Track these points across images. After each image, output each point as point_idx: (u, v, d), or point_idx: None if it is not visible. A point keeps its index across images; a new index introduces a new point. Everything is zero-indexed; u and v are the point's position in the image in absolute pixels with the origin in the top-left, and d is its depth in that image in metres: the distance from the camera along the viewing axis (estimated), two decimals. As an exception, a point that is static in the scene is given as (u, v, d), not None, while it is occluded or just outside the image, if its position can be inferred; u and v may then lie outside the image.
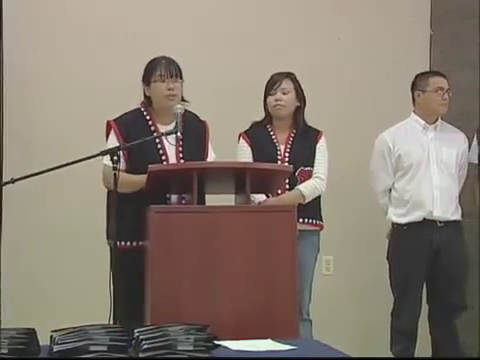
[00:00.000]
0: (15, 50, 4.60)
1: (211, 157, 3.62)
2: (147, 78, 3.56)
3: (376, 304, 4.70)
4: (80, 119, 4.65)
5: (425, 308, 4.24)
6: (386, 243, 4.25)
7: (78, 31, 4.67)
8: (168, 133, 3.37)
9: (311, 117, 4.03)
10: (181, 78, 3.55)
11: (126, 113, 3.59)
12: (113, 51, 4.68)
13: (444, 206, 4.10)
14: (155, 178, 3.22)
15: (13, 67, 4.60)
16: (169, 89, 3.49)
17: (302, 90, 4.00)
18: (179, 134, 3.34)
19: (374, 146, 4.26)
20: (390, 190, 4.21)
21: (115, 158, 3.13)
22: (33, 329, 2.61)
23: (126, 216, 3.33)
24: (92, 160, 3.22)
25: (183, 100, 3.58)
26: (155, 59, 3.60)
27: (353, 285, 4.87)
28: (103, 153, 3.19)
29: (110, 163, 3.18)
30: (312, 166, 3.93)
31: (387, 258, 4.23)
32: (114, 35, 4.69)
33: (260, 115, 4.04)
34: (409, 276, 4.10)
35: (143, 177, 3.28)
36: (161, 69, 3.52)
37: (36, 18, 4.65)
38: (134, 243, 3.42)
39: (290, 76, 3.99)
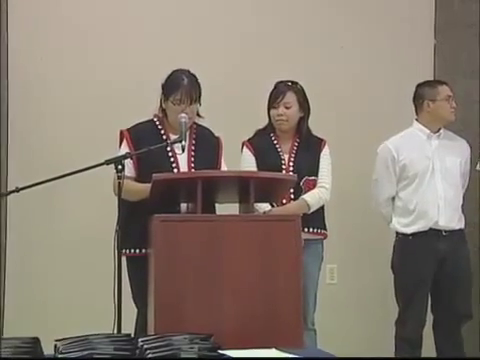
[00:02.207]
0: (20, 59, 4.62)
1: (223, 169, 3.63)
2: (166, 94, 3.55)
3: (380, 313, 4.70)
4: (86, 127, 4.66)
5: (430, 317, 4.22)
6: (390, 251, 4.24)
7: (83, 41, 4.69)
8: (173, 142, 3.40)
9: (314, 125, 4.03)
10: (199, 100, 3.54)
11: (139, 123, 3.61)
12: (118, 61, 4.69)
13: (449, 215, 4.09)
14: (159, 187, 3.22)
15: (18, 76, 4.62)
16: (184, 112, 3.47)
17: (307, 100, 3.98)
18: (184, 143, 3.35)
19: (377, 155, 4.25)
20: (393, 199, 4.20)
21: (119, 167, 3.16)
22: (37, 338, 2.59)
23: (134, 224, 3.36)
24: (98, 168, 3.23)
25: (198, 115, 3.60)
26: (178, 75, 3.55)
27: (357, 294, 4.86)
28: (107, 162, 3.20)
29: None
30: (316, 175, 3.93)
31: (392, 267, 4.22)
32: (119, 45, 4.71)
33: (264, 123, 4.04)
34: (415, 285, 4.09)
35: (148, 186, 3.28)
36: (182, 93, 3.49)
37: (41, 28, 4.67)
38: (142, 251, 3.43)
39: (294, 88, 3.95)
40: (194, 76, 3.58)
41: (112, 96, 4.65)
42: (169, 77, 3.59)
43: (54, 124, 4.68)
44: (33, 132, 4.67)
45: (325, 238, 4.01)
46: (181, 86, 3.51)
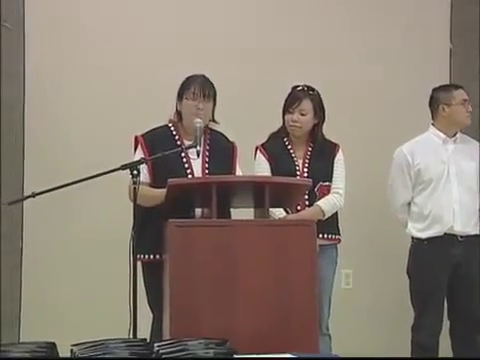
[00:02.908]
0: (38, 65, 4.66)
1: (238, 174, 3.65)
2: (180, 94, 3.61)
3: (396, 319, 4.69)
4: (102, 131, 4.70)
5: (447, 323, 4.21)
6: (406, 256, 4.24)
7: (99, 47, 4.74)
8: (188, 147, 3.43)
9: (329, 130, 4.03)
10: (214, 99, 3.59)
11: (154, 129, 3.64)
12: (133, 67, 4.73)
13: (464, 220, 4.08)
14: (174, 192, 3.24)
15: (34, 80, 4.66)
16: (198, 109, 3.53)
17: (322, 107, 3.97)
18: (199, 148, 3.37)
19: (393, 160, 4.25)
20: (409, 204, 4.20)
21: (135, 172, 3.19)
22: (53, 343, 2.62)
23: (150, 229, 3.40)
24: (114, 173, 3.26)
25: (213, 121, 3.64)
26: (192, 76, 3.63)
27: (373, 299, 4.87)
28: (123, 167, 3.23)
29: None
30: (330, 181, 3.93)
31: (407, 272, 4.22)
32: (135, 52, 4.75)
33: (277, 126, 4.03)
34: (430, 291, 4.08)
35: (163, 191, 3.31)
36: (195, 87, 3.56)
37: (58, 31, 4.72)
38: (157, 256, 3.45)
39: (311, 95, 3.94)
40: (208, 79, 3.63)
41: (128, 100, 4.68)
42: (184, 81, 3.65)
43: (70, 129, 4.72)
44: (49, 137, 4.71)
45: (339, 243, 4.01)
46: (194, 82, 3.58)
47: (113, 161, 3.28)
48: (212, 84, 3.62)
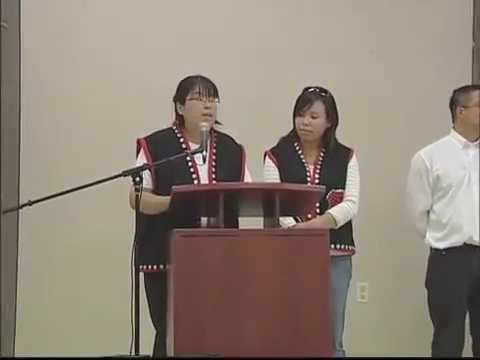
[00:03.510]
0: (34, 65, 4.73)
1: (247, 181, 3.68)
2: (182, 96, 3.62)
3: (416, 334, 4.69)
4: (101, 135, 4.75)
5: (469, 339, 4.23)
6: (424, 268, 4.26)
7: (98, 48, 4.80)
8: (193, 152, 3.46)
9: (342, 134, 4.04)
10: (218, 98, 3.61)
11: (158, 132, 3.67)
12: (134, 69, 4.78)
13: (485, 230, 4.11)
14: (179, 200, 3.28)
15: (30, 82, 4.72)
16: (206, 108, 3.56)
17: (335, 109, 4.00)
18: (205, 153, 3.42)
19: (410, 165, 4.29)
20: (428, 212, 4.23)
21: (137, 179, 3.23)
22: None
23: (153, 239, 3.44)
24: (115, 180, 3.31)
25: (217, 122, 3.67)
26: (190, 77, 3.66)
27: (390, 313, 4.88)
28: (125, 173, 3.27)
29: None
30: (343, 188, 3.96)
31: (426, 285, 4.23)
32: (135, 53, 4.80)
33: (288, 130, 4.06)
34: (450, 305, 4.09)
35: (167, 198, 3.35)
36: (199, 87, 3.58)
37: (55, 32, 4.79)
38: (160, 267, 3.49)
39: (323, 97, 3.96)
40: (206, 77, 3.65)
41: (129, 101, 4.74)
42: (181, 83, 3.68)
43: (68, 132, 4.78)
44: (46, 141, 4.76)
45: (353, 254, 4.03)
46: (196, 82, 3.60)
47: (114, 165, 3.35)
48: (213, 83, 3.64)
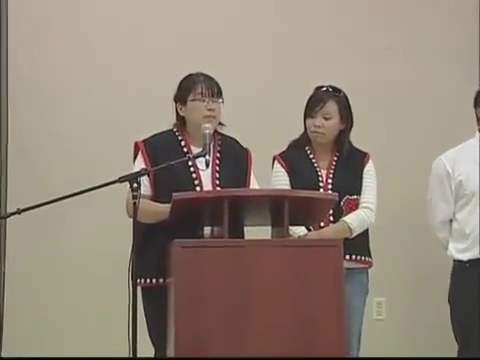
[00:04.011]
0: (22, 65, 4.76)
1: (253, 187, 3.68)
2: (183, 96, 3.62)
3: (437, 354, 4.66)
4: (96, 138, 4.78)
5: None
6: (447, 282, 4.25)
7: (90, 40, 4.83)
8: (196, 156, 3.45)
9: (357, 137, 4.03)
10: (222, 98, 3.61)
11: (157, 134, 3.67)
12: (132, 66, 4.82)
13: (512, 240, 4.09)
14: (180, 207, 3.27)
15: (18, 82, 4.76)
16: (209, 109, 3.56)
17: (350, 110, 4.00)
18: (208, 157, 3.41)
19: (431, 171, 4.28)
20: (451, 221, 4.22)
21: (135, 185, 3.22)
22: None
23: (151, 250, 3.45)
24: (111, 186, 3.29)
25: (221, 124, 3.67)
26: (191, 75, 3.65)
27: (409, 331, 4.87)
28: (121, 179, 3.26)
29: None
30: (359, 194, 3.95)
31: (449, 299, 4.22)
32: (130, 51, 4.85)
33: (298, 133, 4.05)
34: (473, 320, 4.07)
35: (167, 206, 3.34)
36: (202, 87, 3.57)
37: (43, 30, 4.82)
38: (160, 281, 3.49)
39: (336, 96, 3.97)
40: (211, 76, 3.64)
41: (126, 102, 4.76)
42: (182, 81, 3.67)
43: (61, 135, 4.79)
44: (36, 144, 4.77)
45: (370, 267, 4.02)
46: (199, 81, 3.59)
47: (109, 170, 3.37)
48: (216, 81, 3.63)
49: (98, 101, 4.82)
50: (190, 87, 3.60)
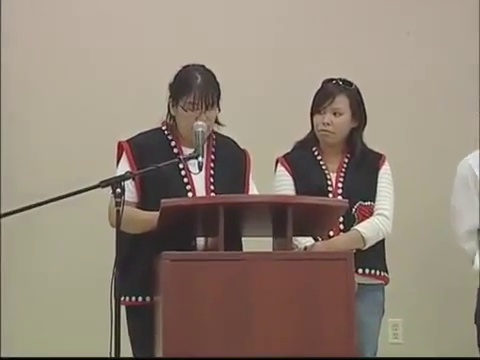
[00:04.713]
0: (17, 66, 4.87)
1: (252, 193, 3.68)
2: (176, 96, 3.59)
3: (462, 381, 4.69)
4: (79, 141, 4.84)
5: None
6: (473, 301, 4.23)
7: (76, 35, 4.94)
8: (187, 158, 3.44)
9: (371, 135, 4.02)
10: (218, 104, 3.58)
11: (143, 133, 3.67)
12: (120, 60, 4.91)
13: None
14: (170, 216, 3.26)
15: (14, 83, 4.87)
16: (199, 119, 3.52)
17: (362, 105, 4.00)
18: (202, 159, 3.40)
19: (456, 174, 4.26)
20: (478, 231, 4.21)
21: (118, 190, 3.19)
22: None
23: (137, 264, 3.45)
24: (91, 192, 3.26)
25: (217, 123, 3.67)
26: (189, 73, 3.60)
27: (429, 357, 4.84)
28: (103, 184, 3.23)
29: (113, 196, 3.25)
30: (373, 200, 3.94)
31: (475, 321, 4.21)
32: (130, 51, 4.95)
33: (304, 133, 4.04)
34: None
35: (155, 214, 3.32)
36: (195, 95, 3.52)
37: (42, 33, 4.94)
38: (146, 299, 3.48)
39: (347, 90, 3.97)
40: (210, 73, 3.61)
41: (113, 101, 4.83)
42: (178, 75, 3.63)
43: (38, 136, 4.85)
44: (16, 147, 4.83)
45: (386, 283, 4.01)
46: (194, 86, 3.54)
47: (95, 175, 3.31)
48: (216, 83, 3.61)
49: (82, 98, 4.90)
50: (183, 90, 3.56)
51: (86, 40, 4.94)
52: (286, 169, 3.98)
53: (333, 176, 3.95)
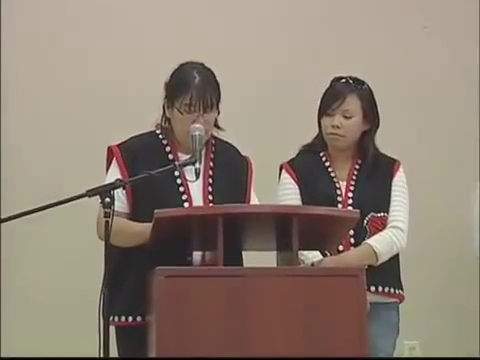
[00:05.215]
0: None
1: (253, 203, 3.69)
2: (171, 97, 3.59)
3: None
4: (66, 147, 4.90)
5: None
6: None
7: (65, 34, 5.02)
8: (183, 164, 3.43)
9: (384, 139, 4.01)
10: (217, 106, 3.59)
11: (135, 136, 3.68)
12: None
13: None
14: (164, 228, 3.25)
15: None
16: (196, 123, 3.52)
17: (375, 106, 4.00)
18: (199, 165, 3.39)
19: (479, 182, 4.26)
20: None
21: (107, 200, 3.19)
22: None
23: (128, 281, 3.46)
24: (78, 201, 3.26)
25: (217, 127, 3.67)
26: (187, 71, 3.60)
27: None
28: (90, 193, 3.23)
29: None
30: (386, 211, 3.93)
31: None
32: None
33: (311, 136, 4.04)
34: None
35: (148, 226, 3.32)
36: (192, 97, 3.52)
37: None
38: (138, 319, 3.47)
39: (358, 89, 3.96)
40: (209, 71, 3.61)
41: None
42: (175, 74, 3.63)
43: (19, 142, 4.88)
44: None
45: (401, 302, 3.99)
46: (191, 86, 3.53)
47: (84, 184, 3.31)
48: (216, 83, 3.60)
49: (73, 99, 5.00)
50: (180, 91, 3.56)
51: (83, 40, 5.04)
52: (291, 176, 3.98)
53: (343, 184, 3.95)
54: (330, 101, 3.96)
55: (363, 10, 4.98)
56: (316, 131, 4.01)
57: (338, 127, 3.94)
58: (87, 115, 4.95)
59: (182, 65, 3.64)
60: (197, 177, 3.40)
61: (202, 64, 3.62)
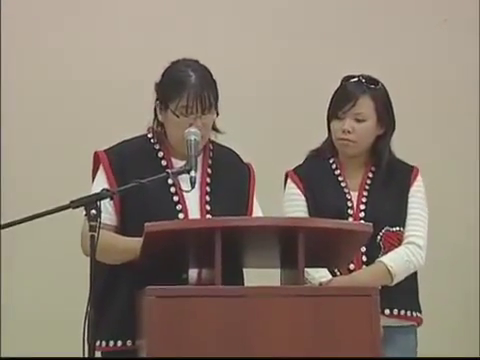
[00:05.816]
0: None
1: (256, 215, 3.70)
2: (164, 99, 3.59)
3: None
4: (52, 154, 4.94)
5: None
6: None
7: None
8: (178, 172, 3.43)
9: (399, 144, 4.01)
10: (216, 107, 3.59)
11: (125, 141, 3.69)
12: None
13: None
14: (156, 243, 3.25)
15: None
16: (193, 126, 3.52)
17: (391, 108, 4.00)
18: (195, 174, 3.39)
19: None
20: None
21: (93, 212, 3.17)
22: None
23: (116, 301, 3.47)
24: (62, 213, 3.26)
25: (215, 130, 3.68)
26: (181, 69, 3.60)
27: None
28: (74, 204, 3.21)
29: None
30: (402, 225, 3.93)
31: None
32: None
33: (319, 141, 4.04)
34: None
35: (138, 241, 3.31)
36: (189, 97, 3.52)
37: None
38: (127, 343, 3.49)
39: (371, 90, 3.96)
40: (205, 69, 3.60)
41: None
42: (167, 73, 3.63)
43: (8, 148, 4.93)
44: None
45: (419, 325, 3.99)
46: (187, 86, 3.53)
47: (69, 194, 3.30)
48: (213, 82, 3.60)
49: (58, 100, 5.07)
50: (175, 92, 3.56)
51: (66, 40, 5.13)
52: (297, 186, 3.98)
53: (354, 195, 3.96)
54: (340, 103, 3.96)
55: (363, 9, 4.99)
56: (320, 133, 4.02)
57: (349, 132, 3.93)
58: (74, 117, 5.05)
59: (174, 63, 3.64)
60: (193, 186, 3.39)
61: (197, 61, 3.62)
